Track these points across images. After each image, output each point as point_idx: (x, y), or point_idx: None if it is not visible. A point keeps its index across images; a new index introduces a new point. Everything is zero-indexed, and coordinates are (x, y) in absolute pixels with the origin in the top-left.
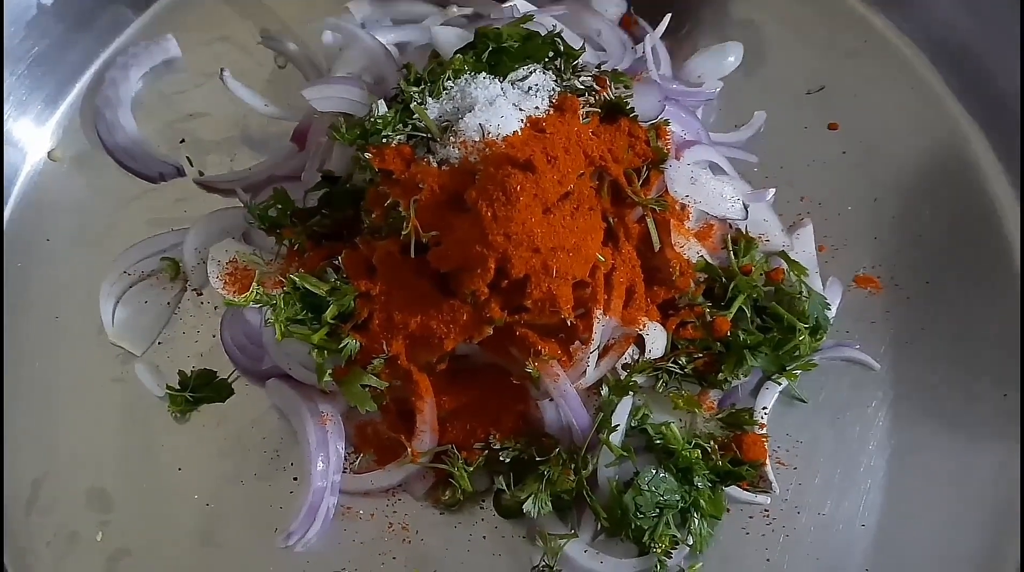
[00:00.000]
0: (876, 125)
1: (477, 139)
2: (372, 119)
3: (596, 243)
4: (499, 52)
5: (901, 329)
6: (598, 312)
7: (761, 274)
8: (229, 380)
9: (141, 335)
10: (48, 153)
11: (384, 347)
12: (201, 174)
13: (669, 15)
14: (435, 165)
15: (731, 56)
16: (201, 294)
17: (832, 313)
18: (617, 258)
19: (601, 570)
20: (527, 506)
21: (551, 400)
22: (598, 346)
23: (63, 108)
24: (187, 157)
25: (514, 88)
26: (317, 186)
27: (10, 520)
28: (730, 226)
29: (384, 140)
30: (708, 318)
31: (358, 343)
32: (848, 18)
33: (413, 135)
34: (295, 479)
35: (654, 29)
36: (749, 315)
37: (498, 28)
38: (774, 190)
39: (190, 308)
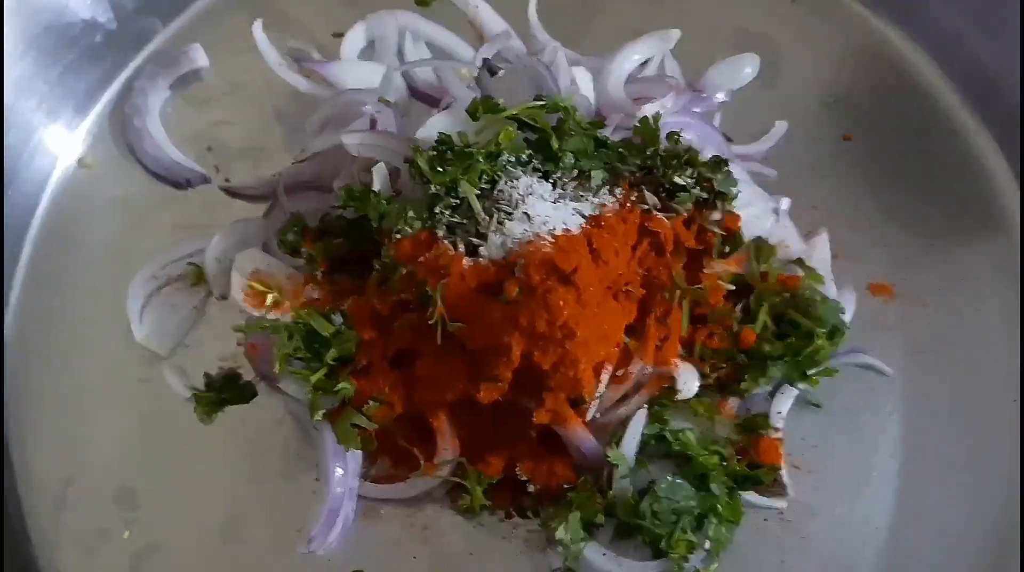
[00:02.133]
0: (889, 135)
1: (521, 233)
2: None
3: (624, 324)
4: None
5: (914, 336)
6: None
7: (776, 281)
8: (254, 382)
9: (168, 337)
10: (78, 159)
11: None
12: (227, 181)
13: (678, 31)
14: (462, 249)
15: (748, 67)
16: (226, 298)
17: (847, 319)
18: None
19: None
20: (559, 533)
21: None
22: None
23: (93, 116)
24: (214, 164)
25: (570, 183)
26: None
27: (39, 518)
28: None
29: (399, 235)
30: (735, 329)
31: (353, 387)
32: (861, 30)
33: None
34: (317, 479)
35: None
36: (768, 323)
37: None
38: (789, 200)
39: (216, 312)
